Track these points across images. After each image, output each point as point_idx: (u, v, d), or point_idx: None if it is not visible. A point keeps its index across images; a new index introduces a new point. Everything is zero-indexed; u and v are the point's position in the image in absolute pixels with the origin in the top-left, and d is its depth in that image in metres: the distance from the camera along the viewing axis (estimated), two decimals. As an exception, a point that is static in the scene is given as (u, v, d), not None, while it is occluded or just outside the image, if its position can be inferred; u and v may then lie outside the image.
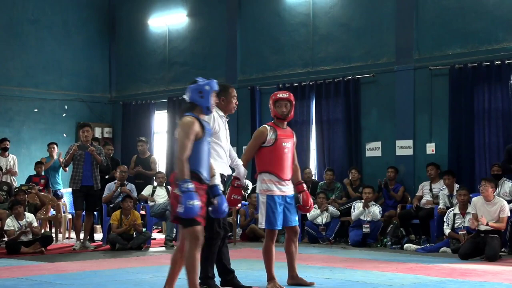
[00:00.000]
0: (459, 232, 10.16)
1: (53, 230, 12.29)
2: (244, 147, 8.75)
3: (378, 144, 12.69)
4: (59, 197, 13.34)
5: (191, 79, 5.86)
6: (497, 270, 8.29)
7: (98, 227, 13.15)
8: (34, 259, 9.56)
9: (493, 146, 11.36)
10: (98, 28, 17.14)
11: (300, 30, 13.84)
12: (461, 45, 11.86)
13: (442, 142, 11.92)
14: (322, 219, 11.85)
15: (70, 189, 11.36)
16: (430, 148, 12.05)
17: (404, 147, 12.28)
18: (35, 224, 10.67)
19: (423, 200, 11.48)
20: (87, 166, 10.78)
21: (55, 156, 13.83)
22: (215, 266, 6.51)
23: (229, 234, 10.15)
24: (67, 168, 11.59)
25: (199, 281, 5.82)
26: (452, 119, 11.74)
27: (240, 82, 14.49)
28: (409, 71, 12.26)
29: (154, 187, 12.37)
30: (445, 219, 10.50)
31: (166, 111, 15.80)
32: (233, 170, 6.76)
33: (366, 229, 11.33)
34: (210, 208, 5.64)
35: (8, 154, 13.52)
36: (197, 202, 5.26)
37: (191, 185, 5.28)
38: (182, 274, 5.52)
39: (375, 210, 11.46)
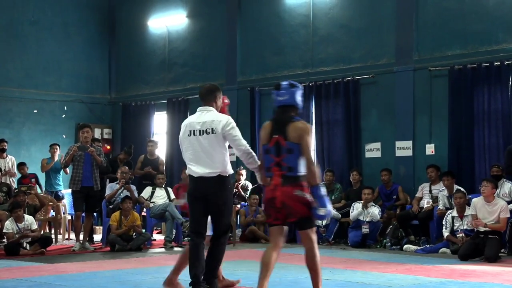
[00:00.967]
0: (457, 235, 10.15)
1: (53, 231, 12.29)
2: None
3: (377, 145, 12.68)
4: (60, 198, 13.32)
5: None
6: (497, 271, 8.30)
7: (98, 228, 13.13)
8: (33, 260, 9.56)
9: (492, 147, 11.35)
10: (98, 29, 17.15)
11: (300, 31, 13.83)
12: (461, 46, 11.86)
13: (441, 143, 11.92)
14: (322, 221, 11.84)
15: (70, 190, 11.35)
16: (430, 149, 12.05)
17: (403, 148, 12.28)
18: (34, 226, 10.65)
19: (423, 202, 11.47)
20: (87, 167, 10.76)
21: (57, 158, 13.80)
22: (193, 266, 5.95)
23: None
24: (67, 170, 11.56)
25: (204, 281, 5.73)
26: (452, 120, 11.74)
27: (240, 83, 14.49)
28: (409, 72, 12.26)
29: (154, 188, 12.35)
30: (443, 222, 10.48)
31: (165, 112, 15.79)
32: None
33: (365, 229, 11.32)
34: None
35: (6, 155, 13.48)
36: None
37: (324, 190, 5.57)
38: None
39: (375, 211, 11.45)
